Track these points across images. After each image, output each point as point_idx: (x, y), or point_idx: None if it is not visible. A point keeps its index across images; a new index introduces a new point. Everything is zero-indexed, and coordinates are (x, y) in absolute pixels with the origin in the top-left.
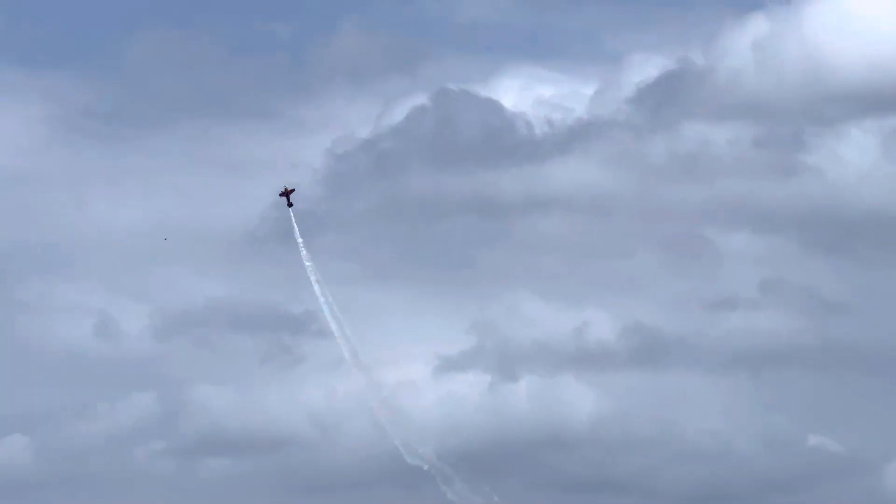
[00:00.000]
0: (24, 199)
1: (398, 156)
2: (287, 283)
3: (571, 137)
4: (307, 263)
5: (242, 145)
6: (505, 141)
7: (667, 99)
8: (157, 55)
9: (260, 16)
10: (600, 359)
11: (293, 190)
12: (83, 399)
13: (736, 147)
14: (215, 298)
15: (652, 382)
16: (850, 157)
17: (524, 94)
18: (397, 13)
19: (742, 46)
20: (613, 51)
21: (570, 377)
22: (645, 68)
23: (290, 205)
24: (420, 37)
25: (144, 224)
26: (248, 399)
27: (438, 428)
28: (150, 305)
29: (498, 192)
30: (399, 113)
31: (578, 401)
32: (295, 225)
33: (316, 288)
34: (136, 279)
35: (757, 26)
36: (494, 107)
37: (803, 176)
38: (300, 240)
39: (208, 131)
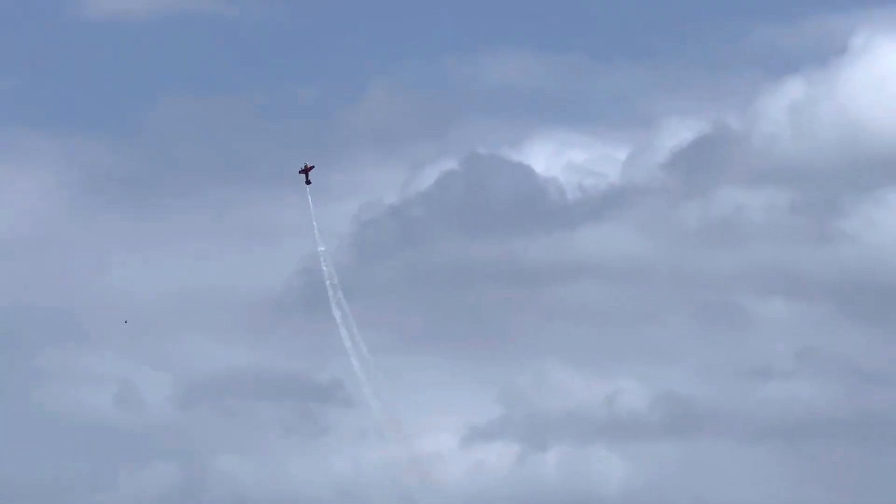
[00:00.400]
0: (43, 265)
1: (427, 222)
2: (313, 350)
3: (604, 203)
4: (337, 312)
5: (267, 211)
6: (536, 206)
7: (701, 164)
8: (180, 119)
9: (285, 79)
10: (631, 428)
11: (313, 167)
12: (104, 469)
13: (771, 213)
14: (239, 366)
15: (684, 452)
16: (888, 223)
17: (555, 158)
18: (426, 76)
19: (778, 110)
20: (646, 114)
21: (601, 447)
22: (679, 132)
23: (308, 182)
24: (449, 100)
25: (167, 291)
26: (273, 469)
27: (467, 498)
28: (173, 374)
29: (528, 258)
30: (428, 178)
31: (609, 471)
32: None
33: (348, 345)
34: (158, 347)
35: (793, 90)
36: (525, 171)
37: (839, 242)
38: (333, 296)
39: (232, 197)
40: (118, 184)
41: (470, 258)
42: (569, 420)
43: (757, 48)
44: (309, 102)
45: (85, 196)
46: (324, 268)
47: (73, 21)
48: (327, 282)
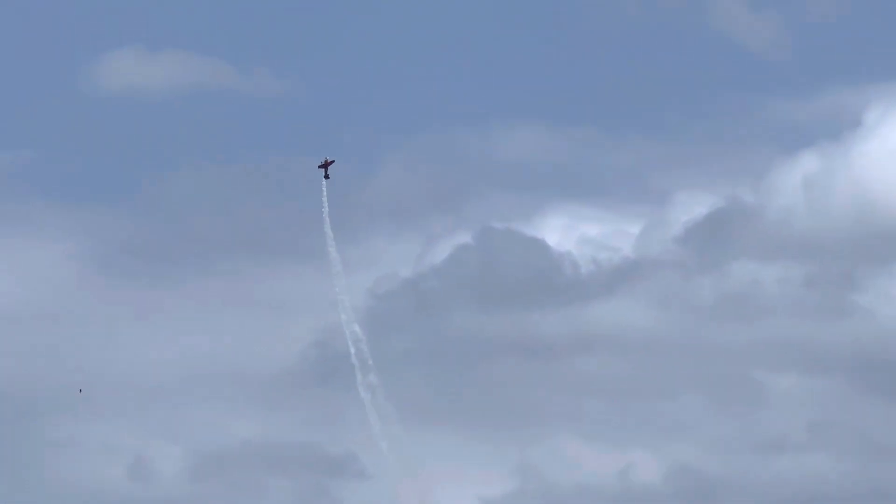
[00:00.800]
0: (56, 337)
1: (441, 295)
2: (326, 423)
3: (617, 277)
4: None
5: (281, 284)
6: (550, 280)
7: (715, 237)
8: (193, 191)
9: (300, 153)
10: (645, 502)
11: (333, 161)
12: None
13: (785, 286)
14: (252, 439)
15: None
16: None
17: (569, 232)
18: (439, 150)
19: (792, 184)
20: (659, 189)
21: None
22: (692, 206)
23: (326, 177)
24: (463, 174)
25: (180, 362)
26: None
27: None
28: (185, 446)
29: (542, 331)
30: (442, 252)
31: None
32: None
33: (363, 417)
34: (171, 419)
35: (807, 164)
36: (540, 245)
37: (854, 316)
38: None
39: (245, 270)
40: (131, 256)
41: (484, 331)
42: (582, 493)
43: (771, 122)
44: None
45: (98, 267)
46: (348, 331)
47: (89, 95)
48: (351, 345)
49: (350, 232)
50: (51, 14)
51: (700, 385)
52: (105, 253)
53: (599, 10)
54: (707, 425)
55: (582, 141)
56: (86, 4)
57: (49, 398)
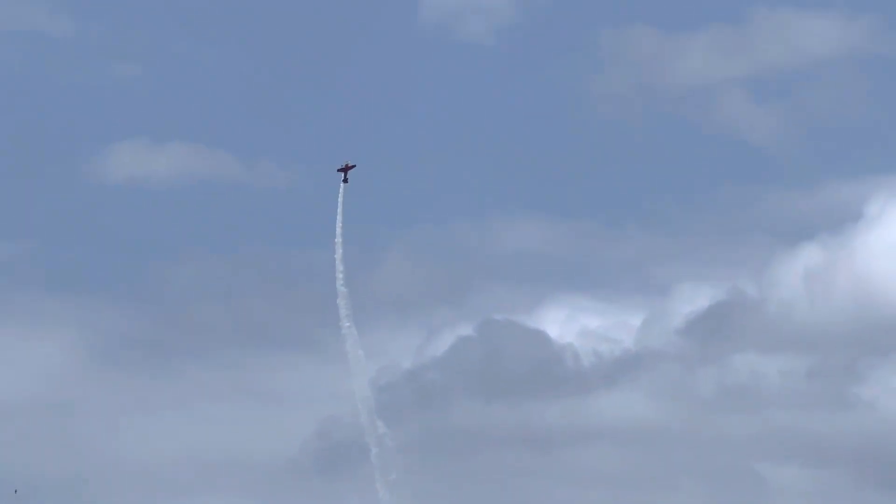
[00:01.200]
0: (56, 428)
1: (442, 387)
2: None
3: (619, 369)
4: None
5: (283, 375)
6: (552, 372)
7: (717, 330)
8: (196, 283)
9: (301, 244)
10: None
11: (354, 166)
12: None
13: (787, 379)
14: None
15: None
16: None
17: (570, 324)
18: (440, 243)
19: (793, 277)
20: (660, 281)
21: None
22: (694, 298)
23: (345, 181)
24: (464, 266)
25: (181, 454)
26: None
27: None
28: None
29: (544, 423)
30: (444, 343)
31: None
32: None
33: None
34: None
35: (808, 256)
36: (541, 337)
37: (856, 409)
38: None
39: (248, 360)
40: (133, 346)
41: (485, 423)
42: None
43: (772, 215)
44: (324, 268)
45: (100, 358)
46: (367, 421)
47: (94, 185)
48: (370, 440)
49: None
50: (59, 104)
51: (702, 477)
52: (107, 343)
53: (600, 103)
54: None
55: (582, 233)
56: (93, 95)
57: (50, 488)
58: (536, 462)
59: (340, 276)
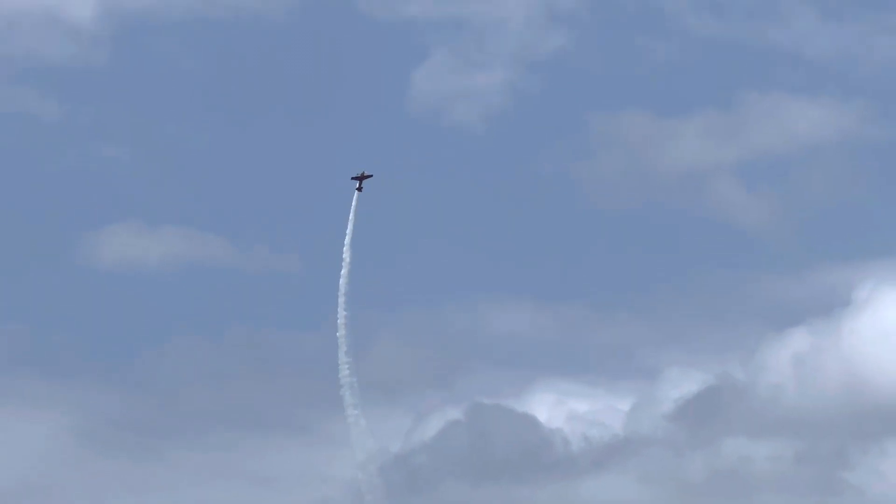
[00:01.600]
0: None
1: (431, 471)
2: None
3: (608, 454)
4: None
5: (272, 459)
6: (541, 456)
7: (706, 415)
8: (185, 365)
9: (292, 328)
10: None
11: (371, 176)
12: None
13: (777, 464)
14: None
15: None
16: (894, 475)
17: (558, 409)
18: (428, 327)
19: (782, 362)
20: (649, 365)
21: None
22: (682, 383)
23: (359, 189)
24: (452, 351)
25: None
26: None
27: None
28: None
29: None
30: (432, 427)
31: None
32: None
33: None
34: None
35: (797, 341)
36: (530, 422)
37: (845, 494)
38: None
39: (237, 444)
40: (123, 430)
41: None
42: None
43: (761, 300)
44: (314, 351)
45: (90, 442)
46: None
47: (86, 268)
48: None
49: (340, 407)
50: (49, 187)
51: None
52: (96, 427)
53: (591, 187)
54: None
55: (571, 317)
56: (83, 178)
57: None
58: None
59: (346, 367)
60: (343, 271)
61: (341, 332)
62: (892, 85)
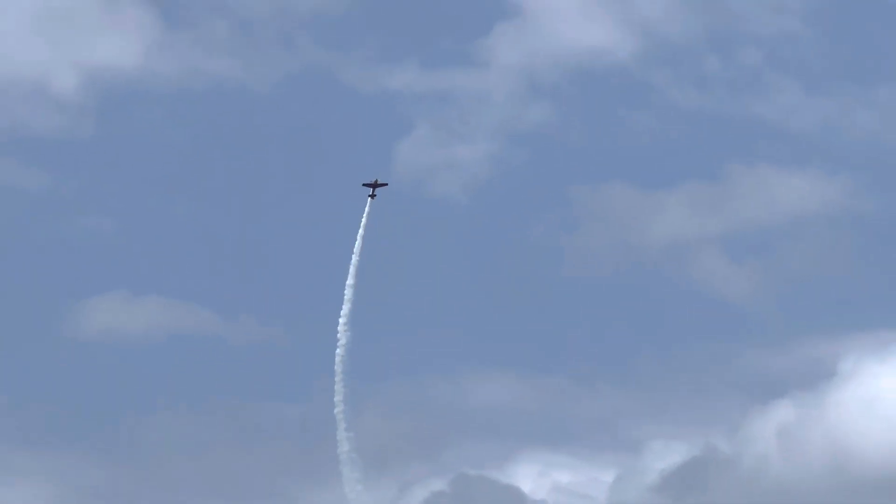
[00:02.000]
0: None
1: None
2: None
3: None
4: None
5: None
6: None
7: (690, 486)
8: (169, 437)
9: (276, 400)
10: None
11: (386, 184)
12: None
13: None
14: None
15: None
16: None
17: (542, 480)
18: (412, 399)
19: (767, 434)
20: (632, 437)
21: None
22: (666, 455)
23: (372, 196)
24: (436, 422)
25: None
26: None
27: None
28: None
29: None
30: (416, 498)
31: None
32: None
33: None
34: None
35: (782, 413)
36: (514, 493)
37: None
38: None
39: None
40: (105, 501)
41: None
42: None
43: (745, 372)
44: (296, 422)
45: None
46: None
47: (70, 339)
48: None
49: (324, 479)
50: (37, 257)
51: None
52: (81, 497)
53: (571, 259)
54: None
55: (555, 389)
56: (72, 248)
57: None
58: None
59: (345, 444)
60: (339, 351)
61: (339, 409)
62: (877, 158)
